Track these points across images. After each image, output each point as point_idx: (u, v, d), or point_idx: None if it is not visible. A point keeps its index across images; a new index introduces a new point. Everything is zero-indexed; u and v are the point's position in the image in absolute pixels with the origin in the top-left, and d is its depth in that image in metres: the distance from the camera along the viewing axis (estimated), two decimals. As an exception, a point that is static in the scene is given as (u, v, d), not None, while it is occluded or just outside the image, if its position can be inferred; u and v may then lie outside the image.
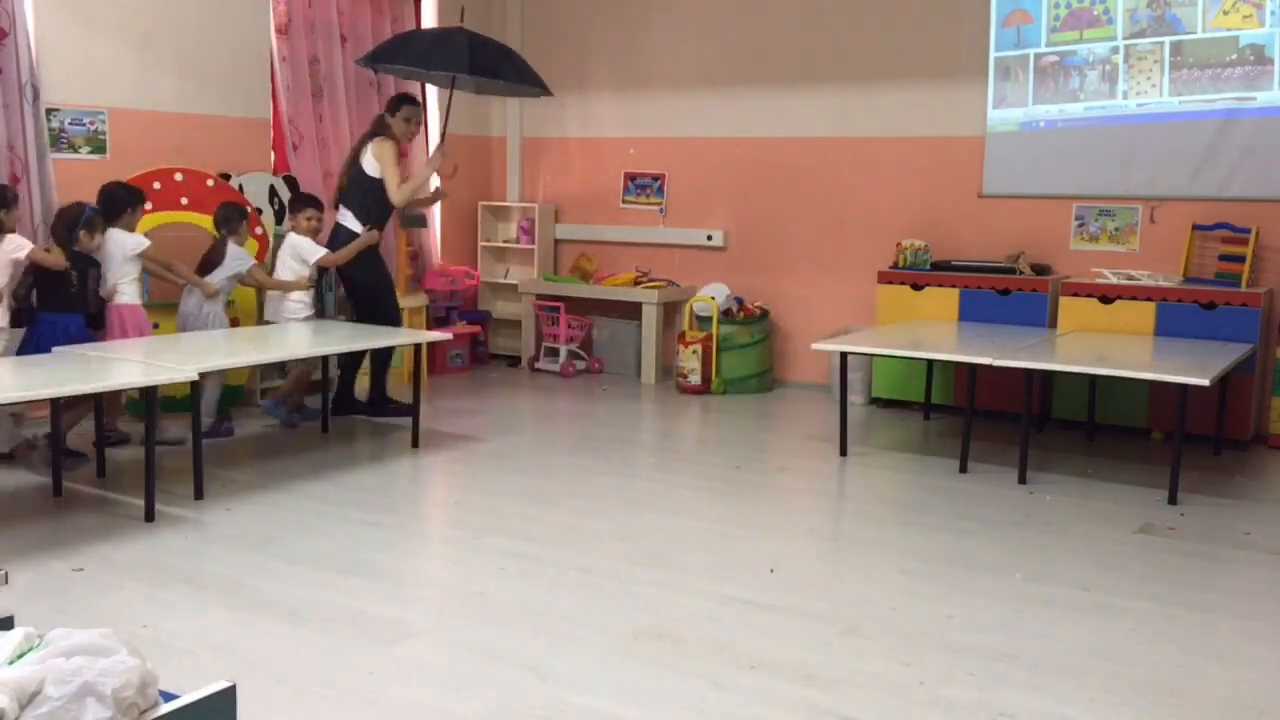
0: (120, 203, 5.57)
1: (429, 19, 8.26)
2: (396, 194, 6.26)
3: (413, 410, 5.87)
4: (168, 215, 6.21)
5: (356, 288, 6.46)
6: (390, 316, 6.45)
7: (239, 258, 5.99)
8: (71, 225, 5.25)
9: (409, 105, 6.41)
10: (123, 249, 5.49)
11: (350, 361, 6.46)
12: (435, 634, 3.45)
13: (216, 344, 5.51)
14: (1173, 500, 4.98)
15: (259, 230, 6.54)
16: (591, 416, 6.75)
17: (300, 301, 6.22)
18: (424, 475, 5.42)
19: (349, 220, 6.32)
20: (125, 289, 5.54)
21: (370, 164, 6.25)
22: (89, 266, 5.33)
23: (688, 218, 8.12)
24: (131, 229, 5.63)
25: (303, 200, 6.43)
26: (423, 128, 6.93)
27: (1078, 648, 3.41)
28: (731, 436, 6.33)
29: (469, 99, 8.58)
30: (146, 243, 5.61)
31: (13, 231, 5.19)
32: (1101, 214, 6.76)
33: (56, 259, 5.24)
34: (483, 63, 6.27)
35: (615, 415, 6.75)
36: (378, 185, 6.24)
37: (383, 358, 6.55)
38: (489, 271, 8.69)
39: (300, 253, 6.21)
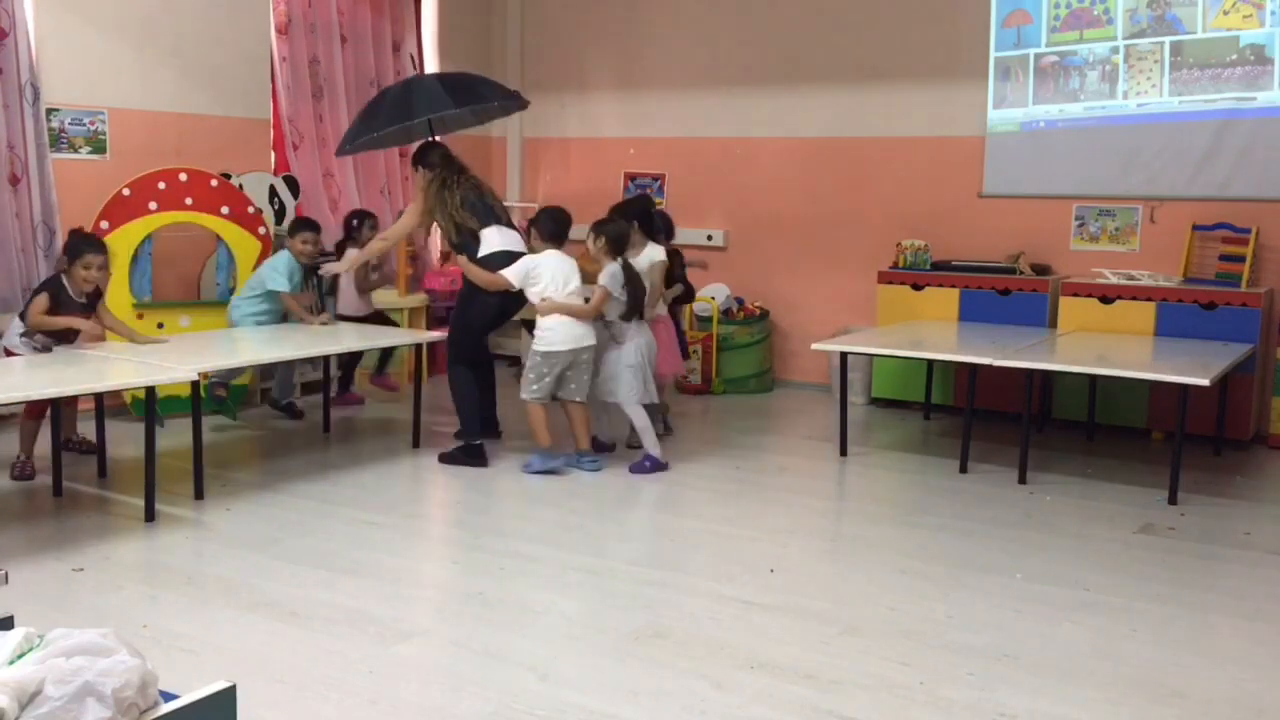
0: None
1: (429, 19, 8.27)
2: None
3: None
4: (172, 215, 6.20)
5: None
6: None
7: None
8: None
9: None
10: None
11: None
12: (435, 634, 3.45)
13: (217, 344, 5.52)
14: (1173, 500, 4.98)
15: (262, 230, 6.53)
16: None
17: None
18: (424, 475, 5.41)
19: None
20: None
21: None
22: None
23: (688, 218, 8.11)
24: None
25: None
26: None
27: (1078, 648, 3.41)
28: (731, 436, 6.33)
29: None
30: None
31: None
32: (1101, 214, 6.76)
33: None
34: (462, 92, 5.94)
35: (615, 415, 6.74)
36: None
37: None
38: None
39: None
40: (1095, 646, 3.42)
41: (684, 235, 8.08)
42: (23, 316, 5.00)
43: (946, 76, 7.11)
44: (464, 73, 6.62)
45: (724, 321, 7.50)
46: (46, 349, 4.93)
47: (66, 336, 5.02)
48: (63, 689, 1.69)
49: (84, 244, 4.98)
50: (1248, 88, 6.25)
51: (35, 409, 4.93)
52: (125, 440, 5.59)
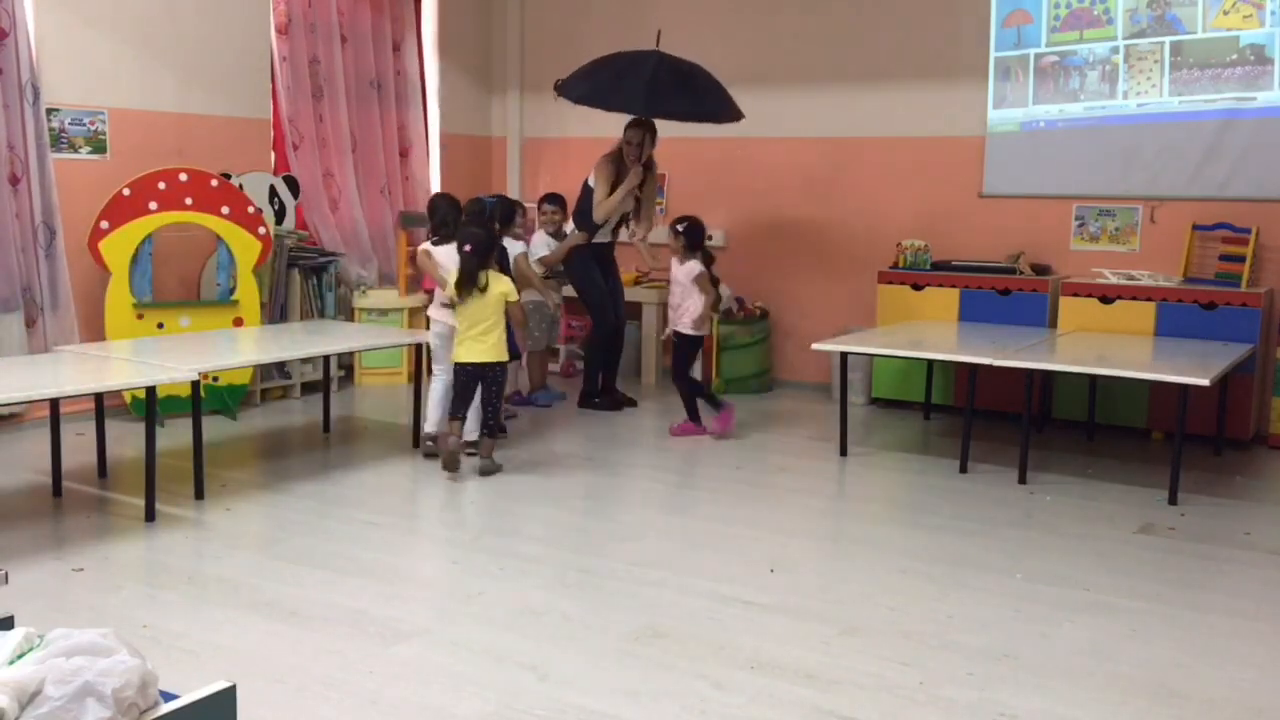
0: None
1: (429, 19, 8.26)
2: (597, 209, 6.57)
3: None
4: (172, 215, 6.21)
5: (571, 283, 7.01)
6: (593, 311, 6.90)
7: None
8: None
9: (629, 128, 6.65)
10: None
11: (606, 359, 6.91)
12: (435, 634, 3.45)
13: (217, 344, 5.52)
14: (1173, 500, 4.98)
15: (262, 230, 6.53)
16: (591, 416, 6.75)
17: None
18: (424, 475, 5.41)
19: (569, 228, 6.89)
20: None
21: (591, 178, 6.66)
22: None
23: (688, 218, 8.11)
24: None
25: (545, 197, 7.05)
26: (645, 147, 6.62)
27: (1078, 648, 3.41)
28: (731, 436, 6.32)
29: (472, 97, 8.61)
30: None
31: None
32: (1101, 214, 6.76)
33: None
34: (660, 101, 6.41)
35: (615, 414, 6.75)
36: (590, 196, 6.68)
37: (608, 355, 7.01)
38: (489, 271, 8.67)
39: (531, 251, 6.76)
40: (1095, 646, 3.42)
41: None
42: None
43: (946, 76, 7.11)
44: (690, 69, 6.73)
45: (724, 321, 7.50)
46: None
47: None
48: (63, 689, 1.70)
49: None
50: (1248, 88, 6.25)
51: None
52: (125, 440, 5.60)
